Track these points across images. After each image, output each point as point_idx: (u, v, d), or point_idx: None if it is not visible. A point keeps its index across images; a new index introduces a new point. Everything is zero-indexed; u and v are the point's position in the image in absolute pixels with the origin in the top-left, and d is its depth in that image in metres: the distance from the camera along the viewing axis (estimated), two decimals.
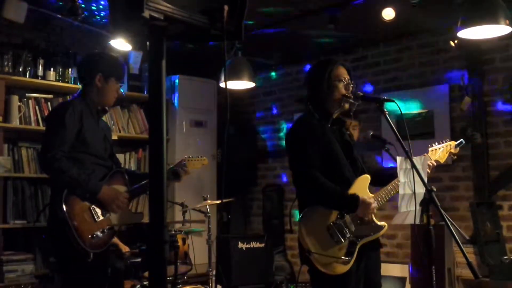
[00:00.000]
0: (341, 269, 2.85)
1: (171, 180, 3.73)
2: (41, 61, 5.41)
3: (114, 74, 3.49)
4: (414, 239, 4.83)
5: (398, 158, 2.83)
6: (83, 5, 5.05)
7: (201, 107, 6.61)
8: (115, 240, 3.95)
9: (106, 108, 3.59)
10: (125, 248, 4.19)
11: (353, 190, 2.96)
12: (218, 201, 5.14)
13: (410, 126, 5.34)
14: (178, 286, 4.08)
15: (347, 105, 3.04)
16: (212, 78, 6.64)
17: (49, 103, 5.46)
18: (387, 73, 6.02)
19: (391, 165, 3.60)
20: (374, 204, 2.95)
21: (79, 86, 5.33)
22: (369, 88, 6.09)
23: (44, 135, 3.37)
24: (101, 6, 5.23)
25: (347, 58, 6.24)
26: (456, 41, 5.05)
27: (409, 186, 2.78)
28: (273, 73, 7.12)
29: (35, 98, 5.40)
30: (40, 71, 5.40)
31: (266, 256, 5.65)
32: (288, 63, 6.91)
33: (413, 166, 2.64)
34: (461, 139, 3.42)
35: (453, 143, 3.35)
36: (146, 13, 1.41)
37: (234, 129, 6.93)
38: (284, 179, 6.82)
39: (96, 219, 3.27)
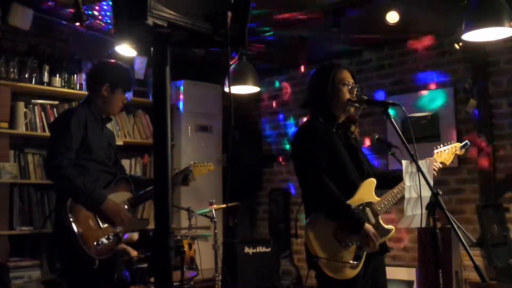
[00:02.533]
0: (350, 273, 2.84)
1: (179, 184, 3.72)
2: (47, 68, 5.44)
3: (121, 85, 3.49)
4: (421, 243, 4.82)
5: (404, 162, 2.82)
6: (88, 12, 5.07)
7: (206, 112, 6.62)
8: (122, 245, 3.95)
9: (111, 116, 3.60)
10: (133, 252, 4.20)
11: (359, 194, 2.95)
12: (224, 206, 5.14)
13: (416, 129, 5.36)
14: None
15: (352, 109, 3.03)
16: (217, 83, 6.65)
17: (55, 109, 5.48)
18: (392, 76, 6.01)
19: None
20: (375, 239, 2.89)
21: (84, 92, 5.38)
22: (374, 91, 6.09)
23: (49, 142, 3.37)
24: (105, 13, 5.25)
25: (351, 61, 6.25)
26: (460, 44, 5.05)
27: (415, 189, 2.77)
28: (278, 77, 7.13)
29: (41, 104, 5.42)
30: (45, 78, 5.42)
31: (272, 261, 5.65)
32: (292, 67, 6.91)
33: (419, 169, 2.63)
34: (466, 141, 3.42)
35: (458, 144, 3.35)
36: (150, 21, 1.41)
37: (239, 134, 6.94)
38: (290, 183, 6.81)
39: (101, 225, 3.27)
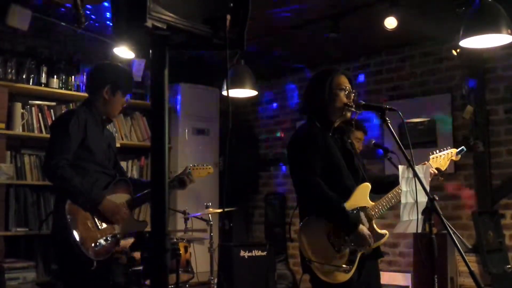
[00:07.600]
0: (342, 277, 2.85)
1: (176, 187, 3.72)
2: (45, 69, 5.44)
3: (122, 88, 3.50)
4: (416, 248, 4.82)
5: (400, 167, 2.82)
6: (88, 12, 5.07)
7: (204, 115, 6.62)
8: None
9: (111, 118, 3.60)
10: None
11: (354, 198, 2.95)
12: (220, 209, 5.14)
13: (413, 135, 5.36)
14: None
15: (348, 114, 3.04)
16: (214, 86, 6.65)
17: (52, 110, 5.47)
18: (389, 82, 6.03)
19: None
20: (369, 240, 2.90)
21: (82, 94, 5.39)
22: (371, 96, 6.10)
23: (48, 143, 3.37)
24: (102, 14, 5.25)
25: (349, 66, 6.26)
26: (458, 50, 5.05)
27: (411, 195, 2.77)
28: (275, 81, 7.13)
29: (38, 105, 5.42)
30: (43, 79, 5.42)
31: (268, 265, 5.64)
32: (290, 71, 6.92)
33: (415, 175, 2.64)
34: (462, 147, 3.42)
35: (454, 150, 3.35)
36: (149, 23, 1.41)
37: (236, 137, 6.93)
38: (286, 187, 6.81)
39: (99, 227, 3.27)
